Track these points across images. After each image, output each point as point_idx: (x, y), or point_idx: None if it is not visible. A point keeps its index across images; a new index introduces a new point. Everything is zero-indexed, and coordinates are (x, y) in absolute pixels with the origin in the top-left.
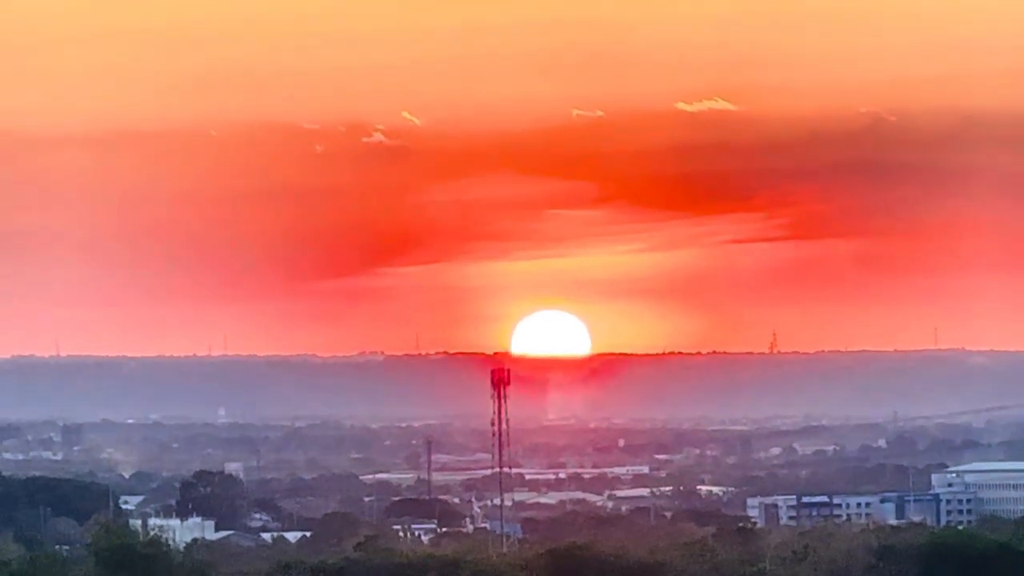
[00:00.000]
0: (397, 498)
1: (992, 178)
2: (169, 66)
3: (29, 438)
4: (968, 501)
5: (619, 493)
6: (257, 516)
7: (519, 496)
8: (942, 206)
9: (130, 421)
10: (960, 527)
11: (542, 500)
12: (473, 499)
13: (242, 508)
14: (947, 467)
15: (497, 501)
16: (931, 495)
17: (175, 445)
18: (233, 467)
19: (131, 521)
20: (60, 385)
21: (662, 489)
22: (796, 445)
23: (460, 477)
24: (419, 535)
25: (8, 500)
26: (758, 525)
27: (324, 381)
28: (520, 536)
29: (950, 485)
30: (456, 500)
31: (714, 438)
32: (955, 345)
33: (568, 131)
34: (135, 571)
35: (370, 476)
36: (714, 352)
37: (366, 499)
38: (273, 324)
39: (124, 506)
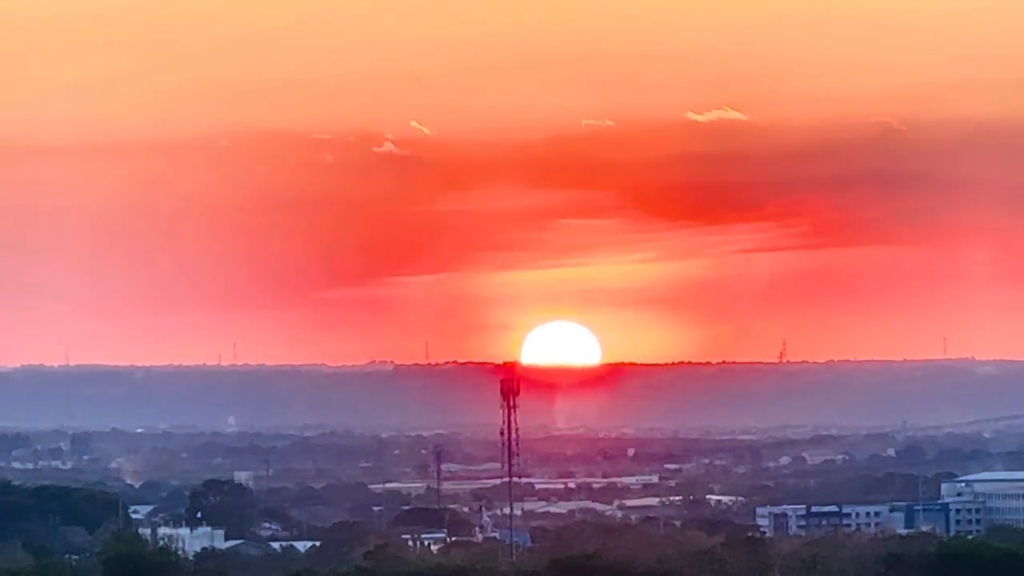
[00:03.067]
0: (406, 507)
1: (1003, 188)
2: (179, 76)
3: (38, 447)
4: (977, 510)
5: (628, 502)
6: (266, 525)
7: (528, 505)
8: (952, 216)
9: (139, 430)
10: (969, 536)
11: (551, 509)
12: (483, 508)
13: (251, 517)
14: (956, 476)
15: (506, 510)
16: (940, 504)
17: (184, 454)
18: (242, 476)
19: (141, 530)
20: (69, 394)
21: (671, 498)
22: (805, 454)
23: (470, 486)
24: (428, 544)
25: (17, 509)
26: (767, 534)
27: (334, 390)
28: (529, 545)
29: (959, 494)
30: (465, 509)
31: (723, 447)
32: (964, 355)
33: (578, 140)
34: None
35: (379, 485)
36: (723, 362)
37: (375, 508)
38: (283, 333)
39: (133, 515)
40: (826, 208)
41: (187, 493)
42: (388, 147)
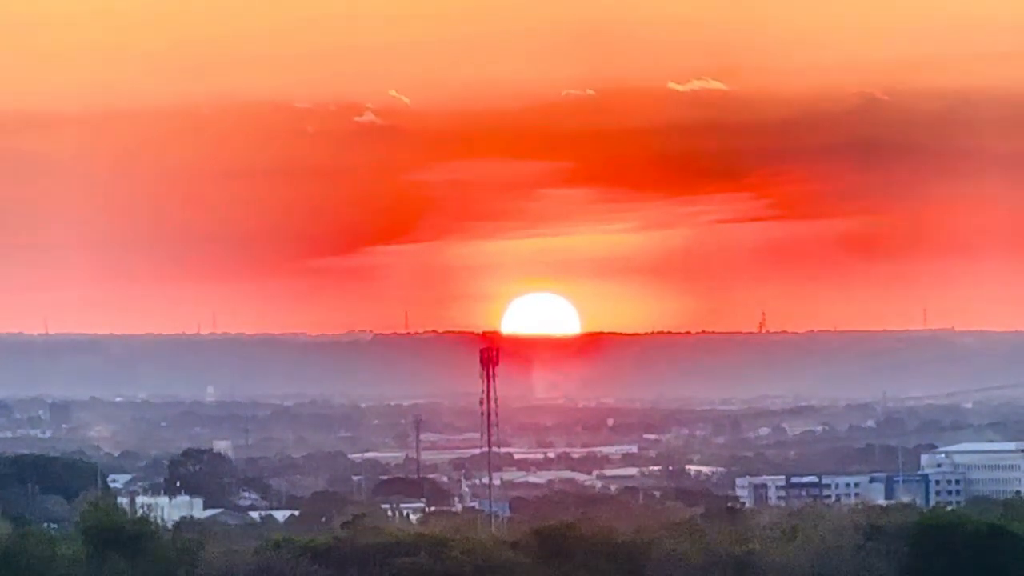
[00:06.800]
0: (386, 477)
1: (983, 159)
2: (160, 46)
3: (17, 416)
4: (957, 481)
5: (608, 472)
6: (245, 494)
7: (508, 475)
8: (933, 187)
9: (118, 399)
10: (949, 507)
11: (531, 479)
12: (462, 478)
13: (230, 486)
14: (936, 447)
15: (486, 480)
16: (920, 475)
17: (163, 423)
18: (221, 445)
19: (119, 499)
20: (48, 363)
21: (651, 469)
22: (785, 425)
23: (449, 456)
24: (407, 514)
25: None
26: (747, 505)
27: (313, 360)
28: (508, 515)
29: (939, 465)
30: (445, 479)
31: (703, 418)
32: (944, 326)
33: (558, 110)
34: (123, 549)
35: (359, 455)
36: (703, 332)
37: (355, 478)
38: (263, 303)
39: (112, 484)
40: (807, 178)
41: (166, 462)
42: (369, 117)
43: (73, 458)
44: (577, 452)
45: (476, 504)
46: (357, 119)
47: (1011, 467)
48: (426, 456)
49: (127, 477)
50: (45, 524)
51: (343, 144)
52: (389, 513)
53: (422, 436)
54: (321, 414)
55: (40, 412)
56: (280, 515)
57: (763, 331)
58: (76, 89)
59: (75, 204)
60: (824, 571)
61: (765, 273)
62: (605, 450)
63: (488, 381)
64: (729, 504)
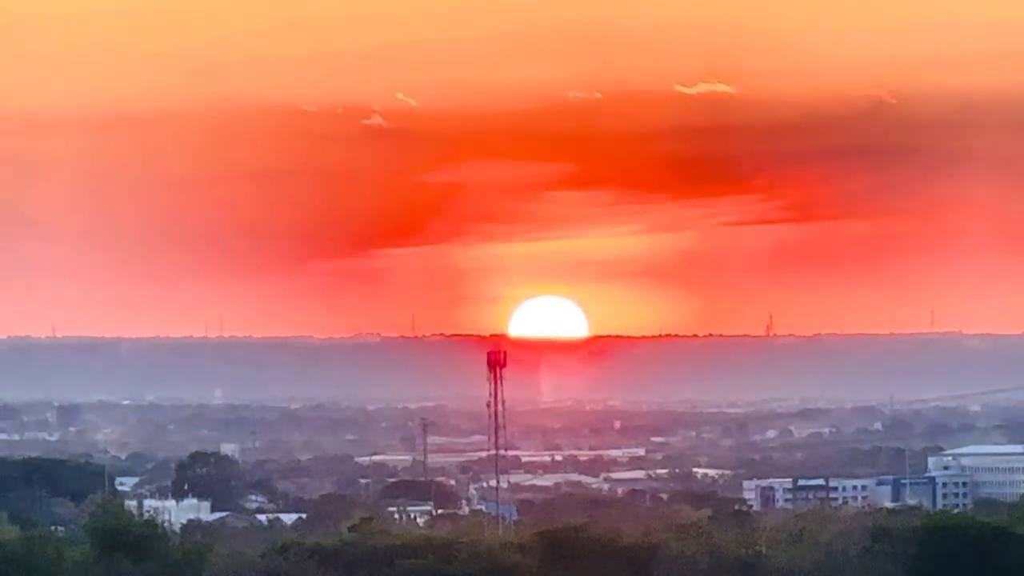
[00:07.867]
0: (393, 480)
1: (991, 161)
2: (167, 48)
3: (25, 419)
4: (964, 484)
5: (615, 475)
6: (253, 497)
7: (515, 478)
8: (940, 189)
9: (126, 402)
10: (956, 510)
11: (538, 482)
12: (469, 481)
13: (238, 489)
14: (943, 450)
15: (493, 483)
16: (927, 478)
17: (171, 426)
18: (229, 448)
19: (127, 502)
20: (56, 366)
21: (658, 471)
22: (792, 428)
23: (456, 459)
24: (415, 517)
25: (3, 481)
26: (754, 508)
27: (321, 362)
28: (516, 518)
29: (946, 468)
30: (452, 482)
31: (710, 421)
32: (951, 328)
33: (565, 113)
34: (131, 552)
35: (366, 458)
36: (710, 335)
37: (362, 481)
38: (270, 305)
39: (120, 487)
40: (815, 181)
41: (173, 465)
42: (376, 119)
43: (80, 461)
44: (584, 455)
45: (483, 507)
46: (364, 122)
47: (1018, 470)
48: (433, 459)
49: (134, 480)
50: (52, 527)
51: (350, 147)
52: (396, 516)
53: (429, 439)
54: (328, 417)
55: (47, 415)
56: (287, 518)
57: (770, 334)
58: (83, 92)
59: (82, 207)
60: (831, 573)
61: (772, 276)
62: (612, 453)
63: (495, 384)
64: (736, 507)
